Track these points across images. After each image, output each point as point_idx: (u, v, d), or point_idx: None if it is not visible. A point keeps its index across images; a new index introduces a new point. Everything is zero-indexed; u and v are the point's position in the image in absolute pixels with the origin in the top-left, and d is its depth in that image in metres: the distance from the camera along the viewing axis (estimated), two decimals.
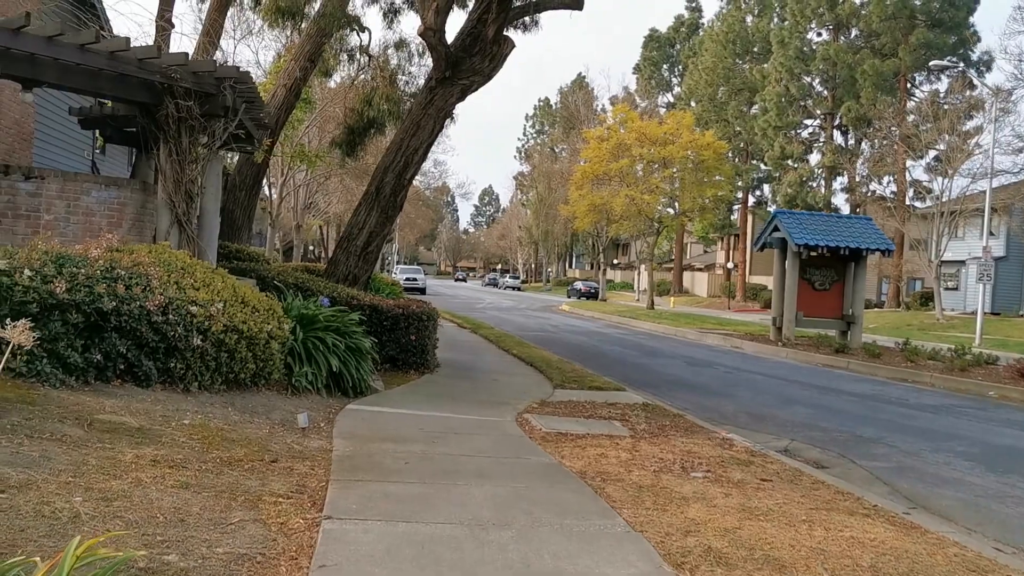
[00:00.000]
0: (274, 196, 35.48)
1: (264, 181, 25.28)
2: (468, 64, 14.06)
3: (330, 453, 6.65)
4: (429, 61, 16.92)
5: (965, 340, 23.95)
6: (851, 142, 52.33)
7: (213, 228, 11.12)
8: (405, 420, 8.64)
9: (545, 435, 8.48)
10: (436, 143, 15.97)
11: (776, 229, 23.42)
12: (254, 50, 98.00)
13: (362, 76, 20.12)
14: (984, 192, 31.14)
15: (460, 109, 14.94)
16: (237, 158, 18.65)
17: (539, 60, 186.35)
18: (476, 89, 14.57)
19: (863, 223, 24.28)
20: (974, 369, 17.54)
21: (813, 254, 22.56)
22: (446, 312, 24.02)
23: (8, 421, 5.52)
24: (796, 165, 51.33)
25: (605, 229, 54.51)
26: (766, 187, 58.78)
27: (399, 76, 19.17)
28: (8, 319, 6.51)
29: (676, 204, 45.46)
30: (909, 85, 48.50)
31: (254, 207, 19.36)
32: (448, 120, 15.36)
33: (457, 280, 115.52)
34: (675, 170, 43.66)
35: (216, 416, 7.10)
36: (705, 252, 79.20)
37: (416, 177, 16.23)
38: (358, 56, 19.05)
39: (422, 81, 17.43)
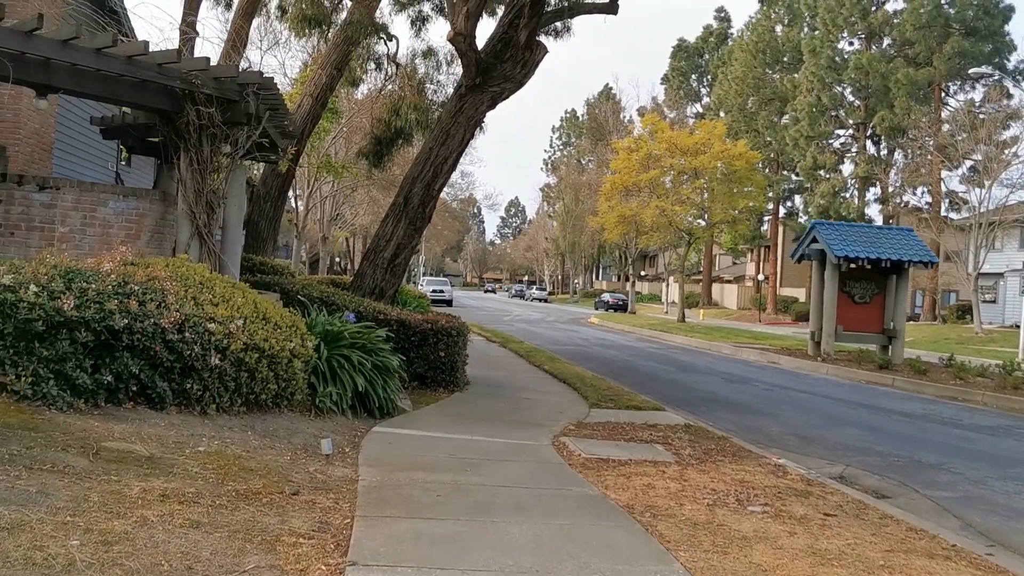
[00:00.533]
0: (300, 207, 35.21)
1: (290, 192, 24.94)
2: (499, 70, 13.59)
3: (355, 483, 6.15)
4: (458, 70, 16.50)
5: (1007, 355, 23.10)
6: (884, 152, 51.36)
7: (236, 240, 10.70)
8: (435, 444, 8.12)
9: (585, 461, 7.91)
10: (464, 154, 15.49)
11: (814, 240, 22.70)
12: (280, 60, 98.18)
13: (389, 86, 19.73)
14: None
15: (488, 118, 14.45)
16: (263, 168, 18.31)
17: (569, 67, 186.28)
18: (507, 97, 14.08)
19: (904, 234, 23.50)
20: None
21: (853, 266, 21.82)
22: (474, 325, 23.46)
23: (7, 450, 5.08)
24: (828, 175, 50.32)
25: (634, 240, 53.78)
26: (797, 198, 57.75)
27: (427, 85, 18.77)
28: (12, 338, 6.14)
29: (706, 215, 44.71)
30: (943, 94, 47.57)
31: (279, 219, 18.99)
32: (478, 129, 14.89)
33: (487, 292, 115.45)
34: (705, 181, 42.95)
35: (234, 441, 6.63)
36: (734, 264, 78.16)
37: (443, 188, 15.76)
38: (385, 65, 18.65)
39: (451, 90, 17.03)
